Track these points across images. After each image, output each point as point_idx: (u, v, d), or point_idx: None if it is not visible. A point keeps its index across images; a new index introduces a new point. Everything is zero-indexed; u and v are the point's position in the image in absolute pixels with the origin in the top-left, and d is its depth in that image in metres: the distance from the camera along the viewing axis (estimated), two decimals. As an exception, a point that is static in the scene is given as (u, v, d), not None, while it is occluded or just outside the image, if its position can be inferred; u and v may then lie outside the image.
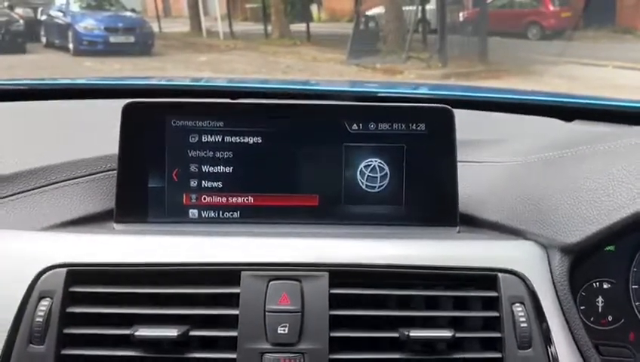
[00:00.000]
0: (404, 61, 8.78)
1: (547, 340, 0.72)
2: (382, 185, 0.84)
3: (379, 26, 10.49)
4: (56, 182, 0.86)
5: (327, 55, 9.91)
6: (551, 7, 11.72)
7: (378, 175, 0.85)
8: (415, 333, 0.69)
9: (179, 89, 1.33)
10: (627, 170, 0.73)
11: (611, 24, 11.58)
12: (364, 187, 0.84)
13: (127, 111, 0.83)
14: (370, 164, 0.85)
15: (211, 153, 0.84)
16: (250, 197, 0.84)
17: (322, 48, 10.63)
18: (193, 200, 0.84)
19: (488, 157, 0.91)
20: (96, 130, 0.96)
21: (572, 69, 7.79)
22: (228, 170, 0.84)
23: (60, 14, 11.01)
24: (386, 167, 0.84)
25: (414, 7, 9.92)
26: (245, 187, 0.84)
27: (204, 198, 0.84)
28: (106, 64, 8.88)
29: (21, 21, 10.74)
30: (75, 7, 11.18)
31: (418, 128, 0.85)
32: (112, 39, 10.34)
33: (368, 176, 0.84)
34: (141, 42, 10.54)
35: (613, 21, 11.76)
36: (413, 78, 7.90)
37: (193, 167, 0.84)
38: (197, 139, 0.84)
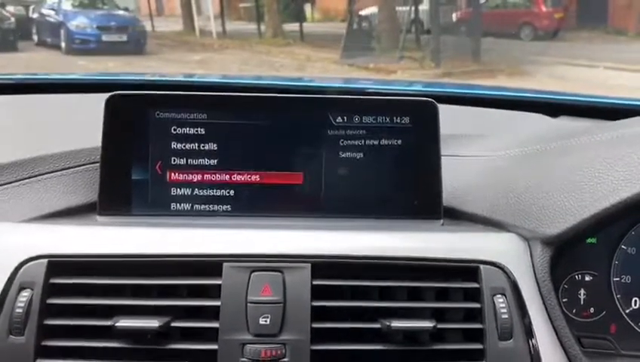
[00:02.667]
0: (397, 61, 8.79)
1: (528, 331, 0.72)
2: (366, 178, 0.84)
3: (372, 26, 10.52)
4: (40, 175, 0.85)
5: (320, 54, 9.91)
6: (544, 8, 11.77)
7: (363, 167, 0.85)
8: (396, 324, 0.69)
9: (169, 84, 1.33)
10: (607, 161, 0.73)
11: (604, 25, 11.65)
12: (348, 179, 0.84)
13: (110, 103, 0.83)
14: (355, 157, 0.84)
15: (195, 145, 0.84)
16: (232, 190, 0.84)
17: (316, 48, 10.63)
18: (176, 192, 0.84)
19: (472, 151, 0.91)
20: (84, 123, 0.95)
21: (564, 69, 7.83)
22: (211, 162, 0.84)
23: (52, 12, 10.96)
24: (371, 160, 0.84)
25: (407, 8, 9.94)
26: (228, 179, 0.84)
27: (188, 190, 0.84)
28: (99, 63, 8.84)
29: (12, 19, 10.69)
30: (67, 6, 11.13)
31: (402, 121, 0.85)
32: (105, 38, 10.31)
33: (353, 168, 0.84)
34: (134, 41, 10.51)
35: (606, 22, 11.83)
36: (407, 78, 7.90)
37: (177, 159, 0.84)
38: (181, 131, 0.84)
